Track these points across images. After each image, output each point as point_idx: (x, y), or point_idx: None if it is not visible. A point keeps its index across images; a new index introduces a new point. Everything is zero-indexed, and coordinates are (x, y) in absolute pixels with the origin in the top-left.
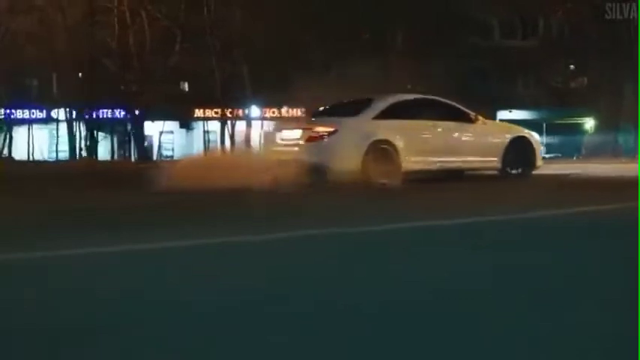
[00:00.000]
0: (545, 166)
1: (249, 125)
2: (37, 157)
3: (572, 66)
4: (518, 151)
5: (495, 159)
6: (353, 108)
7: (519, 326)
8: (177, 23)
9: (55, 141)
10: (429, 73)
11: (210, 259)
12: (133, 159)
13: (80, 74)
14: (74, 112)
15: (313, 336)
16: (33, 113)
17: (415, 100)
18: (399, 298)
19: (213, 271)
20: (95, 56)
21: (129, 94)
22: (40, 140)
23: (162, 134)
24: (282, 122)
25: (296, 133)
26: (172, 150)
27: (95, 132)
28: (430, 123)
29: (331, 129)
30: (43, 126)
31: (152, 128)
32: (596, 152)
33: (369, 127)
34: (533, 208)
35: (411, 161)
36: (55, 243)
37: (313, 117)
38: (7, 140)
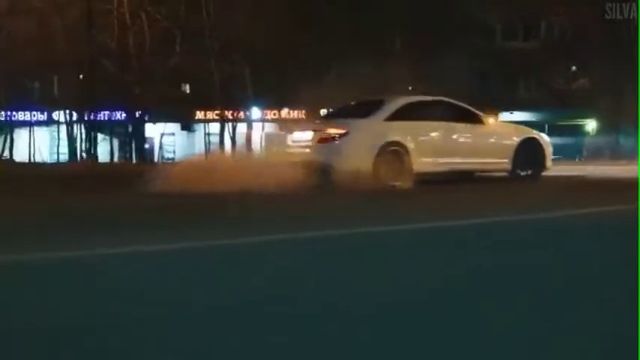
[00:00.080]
0: None
1: (250, 127)
2: (37, 159)
3: (573, 67)
4: (528, 153)
5: (506, 160)
6: (364, 109)
7: (519, 326)
8: (177, 24)
9: (57, 143)
10: (431, 75)
11: (212, 261)
12: (134, 161)
13: (80, 76)
14: (74, 114)
15: (313, 336)
16: (34, 115)
17: (426, 101)
18: (398, 298)
19: (214, 272)
20: (95, 58)
21: (129, 95)
22: (41, 142)
23: (164, 136)
24: (293, 124)
25: (307, 135)
26: (174, 152)
27: (95, 134)
28: (441, 124)
29: (342, 130)
30: (44, 128)
31: (153, 130)
32: (597, 154)
33: (380, 128)
34: (540, 210)
35: (422, 163)
36: (55, 244)
37: (324, 118)
38: (9, 142)
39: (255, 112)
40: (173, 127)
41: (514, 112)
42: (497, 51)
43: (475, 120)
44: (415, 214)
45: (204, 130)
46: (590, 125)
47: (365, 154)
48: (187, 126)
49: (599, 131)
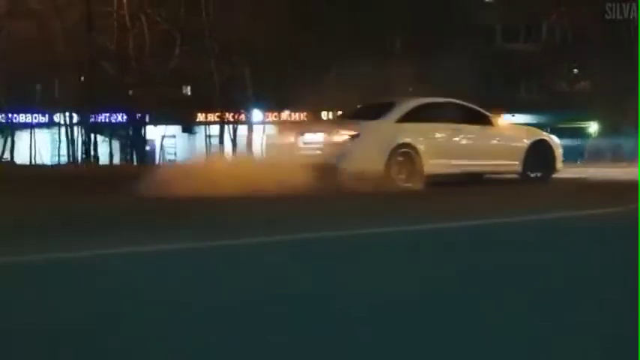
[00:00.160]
0: None
1: (250, 129)
2: (38, 161)
3: (575, 70)
4: (539, 155)
5: (516, 162)
6: (375, 111)
7: (519, 326)
8: (176, 26)
9: (58, 145)
10: (431, 75)
11: (213, 262)
12: (134, 163)
13: (80, 78)
14: (74, 116)
15: (313, 336)
16: (35, 117)
17: (436, 103)
18: (398, 298)
19: (214, 273)
20: (95, 60)
21: (128, 97)
22: (42, 144)
23: (165, 138)
24: (304, 125)
25: (319, 137)
26: (175, 154)
27: (95, 136)
28: (452, 126)
29: (354, 132)
30: (45, 130)
31: (155, 132)
32: (598, 156)
33: (391, 130)
34: (549, 210)
35: (433, 164)
36: (55, 245)
37: (336, 120)
38: (10, 144)
39: (257, 114)
40: (174, 129)
41: (515, 114)
42: (498, 52)
43: (486, 122)
44: (427, 214)
45: (205, 132)
46: (592, 127)
47: (376, 156)
48: (188, 128)
49: (601, 133)
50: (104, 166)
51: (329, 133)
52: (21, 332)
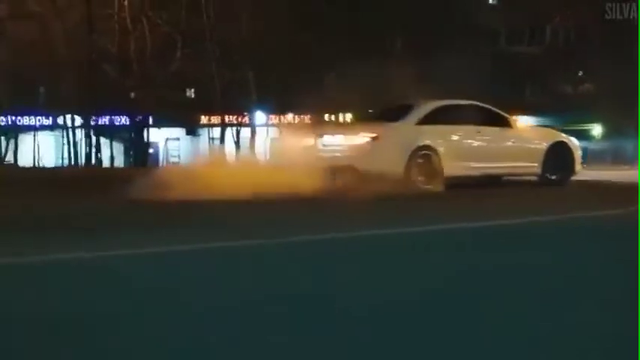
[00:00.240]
0: None
1: (253, 132)
2: (41, 164)
3: (580, 72)
4: (558, 157)
5: (536, 164)
6: (395, 113)
7: (519, 326)
8: (178, 29)
9: (61, 148)
10: (437, 78)
11: (214, 262)
12: (136, 165)
13: (81, 81)
14: (76, 119)
15: (313, 336)
16: (39, 120)
17: (456, 105)
18: (398, 298)
19: (215, 273)
20: (96, 62)
21: (130, 100)
22: (45, 147)
23: (169, 141)
24: (323, 127)
25: (338, 139)
26: (179, 157)
27: (98, 138)
28: (472, 128)
29: (374, 134)
30: (49, 132)
31: (158, 135)
32: (601, 159)
33: (411, 132)
34: (566, 210)
35: (453, 166)
36: (55, 245)
37: (356, 122)
38: (13, 147)
39: (260, 117)
40: (178, 131)
41: (519, 116)
42: (502, 55)
43: (505, 123)
44: (441, 216)
45: (209, 134)
46: (596, 130)
47: (396, 158)
48: (192, 131)
49: (604, 136)
50: (106, 168)
51: (349, 135)
52: (21, 332)
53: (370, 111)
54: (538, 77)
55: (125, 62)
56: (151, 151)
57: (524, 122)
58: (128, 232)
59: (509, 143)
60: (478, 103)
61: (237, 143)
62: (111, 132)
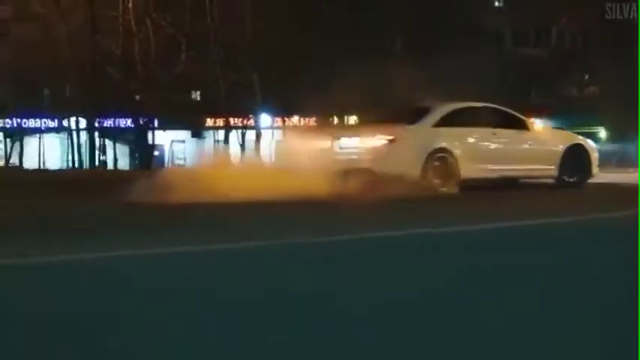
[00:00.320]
0: None
1: (259, 134)
2: (46, 166)
3: (586, 76)
4: (575, 159)
5: (552, 167)
6: (411, 115)
7: (519, 326)
8: (182, 31)
9: (66, 150)
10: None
11: (215, 263)
12: (141, 168)
13: (84, 83)
14: (80, 121)
15: (313, 336)
16: (44, 122)
17: (472, 107)
18: (398, 298)
19: (215, 273)
20: (99, 64)
21: (135, 102)
22: (50, 149)
23: (174, 143)
24: (340, 130)
25: (355, 142)
26: (184, 159)
27: (102, 140)
28: (488, 131)
29: (391, 137)
30: (54, 135)
31: (164, 137)
32: (606, 161)
33: (428, 134)
34: (585, 212)
35: (469, 169)
36: (55, 246)
37: (372, 124)
38: (19, 149)
39: (265, 119)
40: (183, 134)
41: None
42: (507, 57)
43: (521, 126)
44: (454, 218)
45: (214, 137)
46: (601, 133)
47: (413, 161)
48: (197, 133)
49: (609, 138)
50: (110, 171)
51: (366, 137)
52: (22, 332)
53: (374, 112)
54: (544, 79)
55: (129, 64)
56: (156, 153)
57: (540, 124)
58: (129, 233)
59: (526, 146)
60: (495, 106)
61: (242, 146)
62: (115, 134)
